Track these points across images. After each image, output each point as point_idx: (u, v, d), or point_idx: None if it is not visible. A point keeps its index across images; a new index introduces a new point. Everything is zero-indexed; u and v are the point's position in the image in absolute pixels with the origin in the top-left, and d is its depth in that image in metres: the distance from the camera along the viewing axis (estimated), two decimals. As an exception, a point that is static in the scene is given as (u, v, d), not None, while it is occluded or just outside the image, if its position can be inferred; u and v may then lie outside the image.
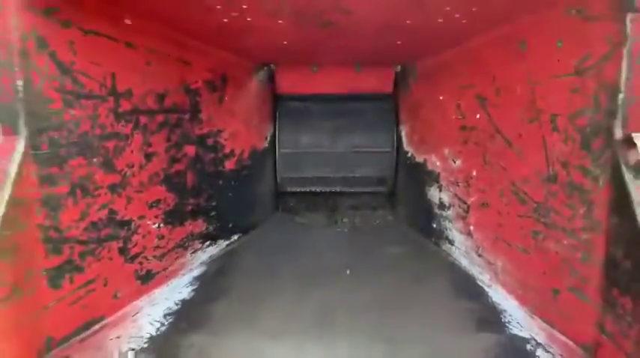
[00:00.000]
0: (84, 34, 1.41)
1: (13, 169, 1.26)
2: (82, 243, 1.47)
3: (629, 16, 1.24)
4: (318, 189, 2.37)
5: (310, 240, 2.16)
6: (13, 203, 1.24)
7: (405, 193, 2.29)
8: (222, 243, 2.02)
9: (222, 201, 1.99)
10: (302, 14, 1.52)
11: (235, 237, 2.08)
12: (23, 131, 1.30)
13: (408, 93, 2.21)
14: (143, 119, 1.63)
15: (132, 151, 1.60)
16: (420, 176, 2.12)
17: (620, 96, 1.27)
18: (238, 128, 2.06)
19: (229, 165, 2.03)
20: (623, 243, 1.27)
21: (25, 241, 1.30)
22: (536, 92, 1.54)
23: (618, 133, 1.29)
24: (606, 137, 1.31)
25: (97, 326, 1.52)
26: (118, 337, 1.50)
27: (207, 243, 1.95)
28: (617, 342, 1.28)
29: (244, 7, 1.46)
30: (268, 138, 2.27)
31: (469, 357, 1.46)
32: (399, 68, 2.26)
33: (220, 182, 1.98)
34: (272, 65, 2.22)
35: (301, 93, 2.30)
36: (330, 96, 2.31)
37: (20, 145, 1.29)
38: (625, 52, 1.25)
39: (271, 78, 2.24)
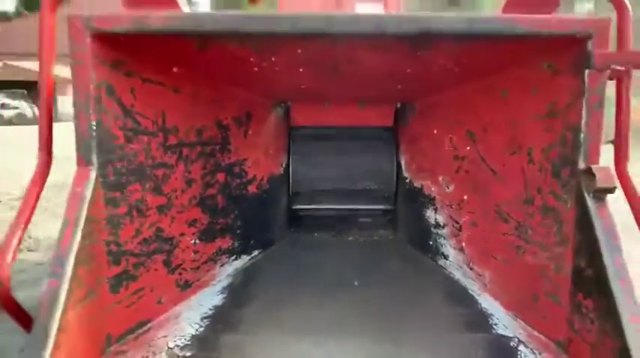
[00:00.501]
0: (142, 82, 1.71)
1: (88, 193, 1.54)
2: (135, 255, 1.75)
3: (587, 72, 1.55)
4: (326, 212, 2.65)
5: (321, 256, 2.44)
6: (89, 220, 1.52)
7: (404, 214, 2.58)
8: (246, 258, 2.29)
9: (246, 220, 2.27)
10: (320, 64, 1.83)
11: (256, 252, 2.36)
12: (95, 162, 1.58)
13: (407, 127, 2.52)
14: (185, 151, 1.92)
15: (176, 178, 1.89)
16: (418, 199, 2.41)
17: (582, 135, 1.58)
18: (259, 157, 2.35)
19: (252, 189, 2.32)
20: (586, 255, 1.56)
21: (96, 252, 1.57)
22: (515, 130, 1.84)
23: (581, 165, 1.59)
24: (572, 168, 1.61)
25: (146, 327, 1.79)
26: (165, 336, 1.76)
27: (233, 257, 2.22)
28: (583, 336, 1.56)
29: (273, 59, 1.76)
30: (284, 166, 2.56)
31: (462, 354, 1.73)
32: (398, 105, 2.57)
33: (244, 204, 2.26)
34: (288, 102, 2.52)
35: (312, 126, 2.60)
36: (338, 129, 2.61)
37: (93, 174, 1.57)
38: (584, 101, 1.56)
39: (287, 113, 2.54)
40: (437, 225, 2.31)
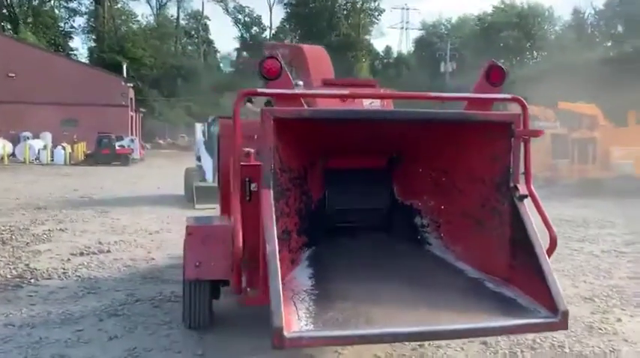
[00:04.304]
0: (285, 144, 3.09)
1: (271, 202, 2.89)
2: (279, 238, 3.07)
3: (512, 139, 3.20)
4: (348, 222, 4.09)
5: (348, 249, 3.86)
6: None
7: (398, 223, 4.09)
8: (312, 248, 3.65)
9: (312, 225, 3.65)
10: (351, 133, 3.34)
11: (314, 246, 3.72)
12: (271, 186, 2.93)
13: (398, 169, 4.07)
14: (295, 181, 3.30)
15: (292, 197, 3.26)
16: (408, 212, 3.95)
17: (511, 169, 3.21)
18: (315, 188, 3.76)
19: (313, 206, 3.72)
20: (517, 228, 3.15)
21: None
22: (473, 168, 3.44)
23: (511, 184, 3.21)
24: (507, 186, 3.22)
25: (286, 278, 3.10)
26: (292, 281, 3.09)
27: (306, 247, 3.58)
28: (517, 272, 3.12)
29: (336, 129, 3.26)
30: (323, 193, 3.98)
31: (449, 286, 3.24)
32: (392, 155, 4.11)
33: (311, 216, 3.65)
34: (327, 156, 3.95)
35: (339, 168, 4.04)
36: (354, 170, 4.07)
37: (271, 192, 2.92)
38: (511, 152, 3.19)
39: (326, 161, 3.97)
40: (422, 226, 3.85)
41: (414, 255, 3.77)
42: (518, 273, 3.15)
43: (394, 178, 4.14)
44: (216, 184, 11.98)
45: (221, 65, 74.44)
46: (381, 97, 3.50)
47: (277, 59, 3.27)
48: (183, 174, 14.40)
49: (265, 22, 65.34)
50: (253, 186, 3.56)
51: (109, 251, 7.17)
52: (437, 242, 3.77)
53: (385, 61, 68.88)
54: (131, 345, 4.01)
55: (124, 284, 5.63)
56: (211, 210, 11.11)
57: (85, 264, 6.53)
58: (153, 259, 6.82)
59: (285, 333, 2.53)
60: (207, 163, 12.56)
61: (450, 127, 3.43)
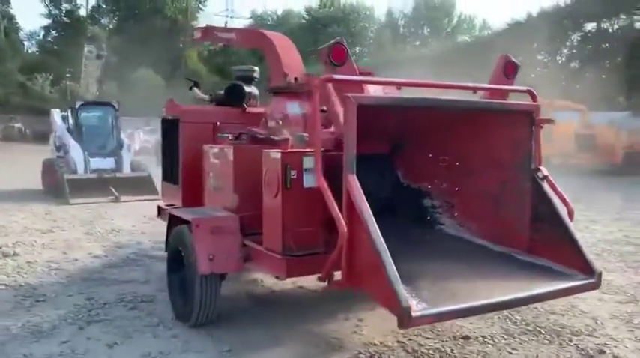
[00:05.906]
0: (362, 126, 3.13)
1: (359, 187, 2.91)
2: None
3: (533, 127, 3.62)
4: None
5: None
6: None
7: (403, 205, 4.30)
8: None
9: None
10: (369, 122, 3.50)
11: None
12: (354, 171, 2.95)
13: (401, 154, 4.28)
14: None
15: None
16: (416, 195, 4.19)
17: (532, 153, 3.62)
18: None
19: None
20: (541, 203, 3.58)
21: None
22: (491, 152, 3.80)
23: (533, 166, 3.62)
24: (529, 168, 3.63)
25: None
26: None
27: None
28: (538, 243, 3.55)
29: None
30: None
31: (481, 260, 3.57)
32: (394, 141, 4.30)
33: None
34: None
35: None
36: (365, 154, 4.17)
37: (354, 177, 2.94)
38: (533, 138, 3.61)
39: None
40: (433, 207, 4.12)
41: (431, 234, 4.03)
42: (541, 245, 3.57)
43: (397, 163, 4.34)
44: (94, 176, 11.08)
45: (26, 44, 66.86)
46: (433, 86, 3.67)
47: (344, 45, 3.27)
48: (22, 166, 12.68)
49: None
50: (293, 173, 3.52)
51: (15, 254, 6.23)
52: (450, 221, 4.07)
53: (212, 49, 67.80)
54: (143, 350, 3.67)
55: (72, 288, 5.01)
56: (88, 204, 10.20)
57: (-2, 269, 5.64)
58: (76, 260, 6.09)
59: (412, 313, 2.62)
60: (77, 153, 11.35)
61: (470, 115, 3.73)
